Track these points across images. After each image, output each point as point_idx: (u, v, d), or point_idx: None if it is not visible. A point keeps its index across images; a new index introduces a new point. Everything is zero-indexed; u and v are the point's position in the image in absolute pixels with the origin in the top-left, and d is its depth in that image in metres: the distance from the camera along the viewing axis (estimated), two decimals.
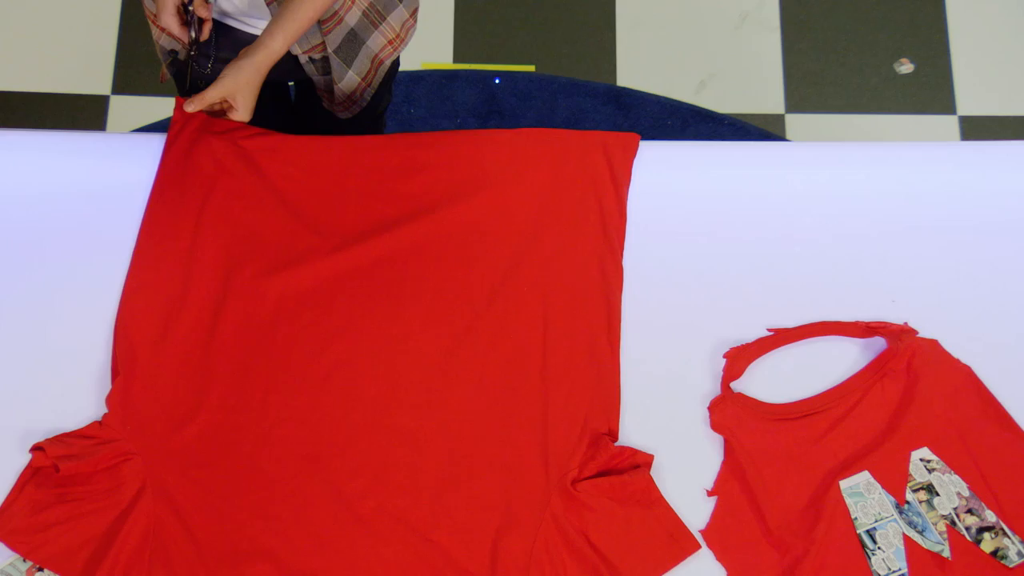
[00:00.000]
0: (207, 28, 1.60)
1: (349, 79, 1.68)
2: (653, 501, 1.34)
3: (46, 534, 1.29)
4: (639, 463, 1.36)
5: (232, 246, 1.47)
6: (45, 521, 1.29)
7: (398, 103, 2.58)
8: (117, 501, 1.31)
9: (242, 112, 1.53)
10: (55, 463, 1.32)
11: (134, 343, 1.40)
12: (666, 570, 1.31)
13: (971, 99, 2.65)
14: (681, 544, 1.32)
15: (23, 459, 1.34)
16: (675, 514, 1.34)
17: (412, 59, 2.62)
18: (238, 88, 1.51)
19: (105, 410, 1.37)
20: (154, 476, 1.33)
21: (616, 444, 1.38)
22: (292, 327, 1.42)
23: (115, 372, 1.39)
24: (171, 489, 1.33)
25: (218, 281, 1.45)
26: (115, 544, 1.29)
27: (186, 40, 1.58)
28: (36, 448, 1.33)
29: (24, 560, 1.29)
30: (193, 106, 1.51)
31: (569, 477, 1.34)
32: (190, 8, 1.54)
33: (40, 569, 1.28)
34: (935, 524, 1.33)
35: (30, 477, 1.33)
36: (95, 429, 1.35)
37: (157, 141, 1.54)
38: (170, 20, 1.56)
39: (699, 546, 1.33)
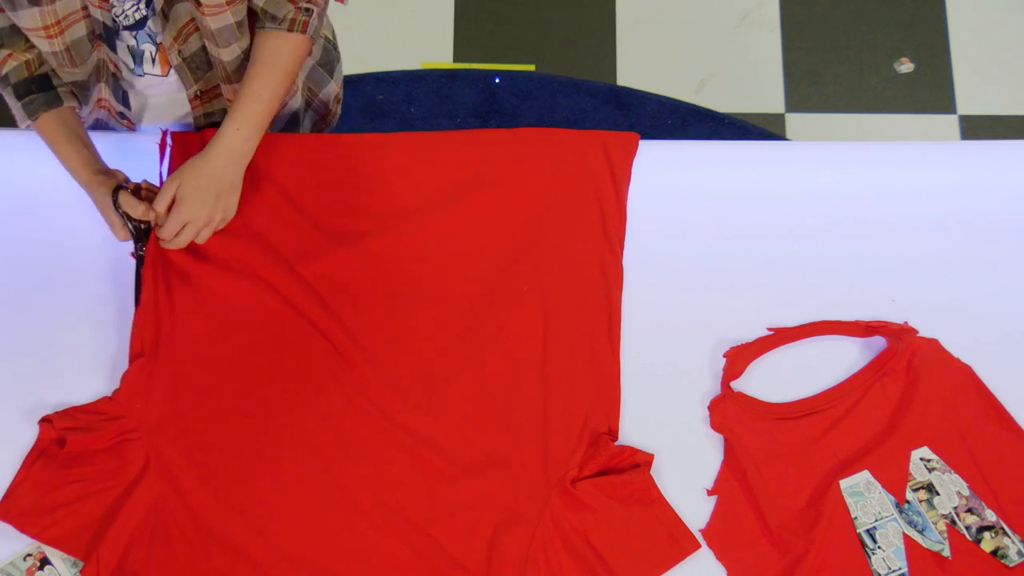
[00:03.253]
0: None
1: None
2: (653, 500, 1.34)
3: (53, 515, 1.30)
4: (639, 462, 1.36)
5: (236, 243, 1.47)
6: (52, 502, 1.31)
7: (398, 102, 2.58)
8: (121, 480, 1.33)
9: (188, 221, 1.38)
10: (61, 435, 1.33)
11: (159, 328, 1.41)
12: (666, 569, 1.31)
13: (971, 99, 2.65)
14: (681, 544, 1.32)
15: (31, 436, 1.35)
16: (675, 514, 1.34)
17: (412, 59, 2.62)
18: (184, 195, 1.35)
19: (114, 386, 1.38)
20: (158, 456, 1.34)
21: (616, 443, 1.38)
22: (296, 322, 1.43)
23: (135, 353, 1.40)
24: (174, 469, 1.34)
25: (226, 274, 1.45)
26: (118, 520, 1.30)
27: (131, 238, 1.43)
28: (44, 420, 1.35)
29: (24, 559, 1.29)
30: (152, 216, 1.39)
31: (569, 476, 1.34)
32: (121, 210, 1.39)
33: (40, 568, 1.29)
34: (935, 523, 1.33)
35: (36, 458, 1.34)
36: (104, 404, 1.37)
37: (157, 140, 1.54)
38: (124, 232, 1.41)
39: (699, 546, 1.33)
